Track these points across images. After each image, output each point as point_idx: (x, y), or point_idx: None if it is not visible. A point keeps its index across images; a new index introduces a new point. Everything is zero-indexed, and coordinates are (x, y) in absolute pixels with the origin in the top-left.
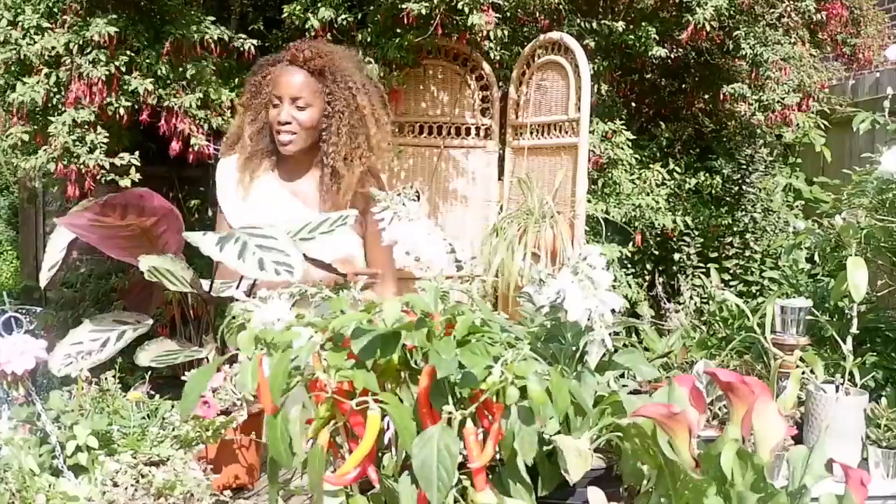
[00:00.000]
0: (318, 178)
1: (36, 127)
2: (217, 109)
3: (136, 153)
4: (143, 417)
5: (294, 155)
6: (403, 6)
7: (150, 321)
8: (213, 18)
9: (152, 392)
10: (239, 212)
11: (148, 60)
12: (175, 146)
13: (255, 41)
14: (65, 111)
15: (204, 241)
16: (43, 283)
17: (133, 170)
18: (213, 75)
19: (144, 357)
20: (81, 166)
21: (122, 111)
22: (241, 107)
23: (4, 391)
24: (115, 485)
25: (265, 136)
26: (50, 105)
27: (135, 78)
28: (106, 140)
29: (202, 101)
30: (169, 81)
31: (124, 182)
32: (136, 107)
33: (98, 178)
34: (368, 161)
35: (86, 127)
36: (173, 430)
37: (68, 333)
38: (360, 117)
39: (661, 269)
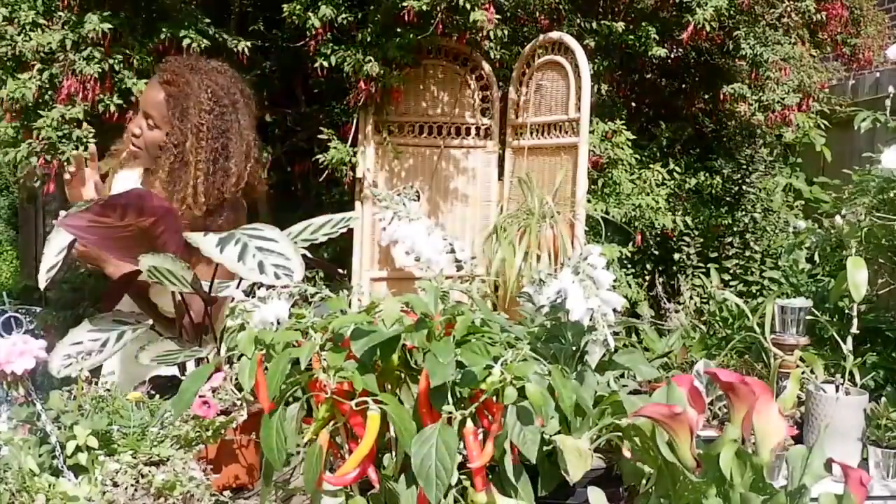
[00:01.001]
0: None
1: (25, 122)
2: None
3: None
4: (143, 417)
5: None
6: (404, 4)
7: (150, 321)
8: (208, 21)
9: (152, 392)
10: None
11: (139, 55)
12: None
13: (249, 43)
14: (55, 107)
15: (204, 242)
16: (42, 284)
17: None
18: None
19: (145, 356)
20: (65, 162)
21: (112, 108)
22: None
23: (4, 391)
24: (115, 485)
25: None
26: (41, 101)
27: (128, 77)
28: (94, 138)
29: None
30: None
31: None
32: (126, 106)
33: None
34: (188, 216)
35: (74, 123)
36: (173, 429)
37: (68, 333)
38: (183, 163)
39: (661, 269)
